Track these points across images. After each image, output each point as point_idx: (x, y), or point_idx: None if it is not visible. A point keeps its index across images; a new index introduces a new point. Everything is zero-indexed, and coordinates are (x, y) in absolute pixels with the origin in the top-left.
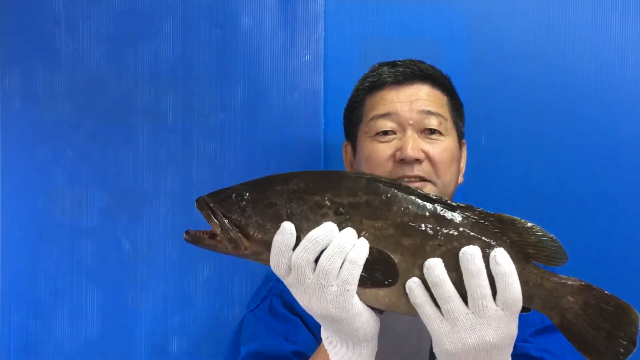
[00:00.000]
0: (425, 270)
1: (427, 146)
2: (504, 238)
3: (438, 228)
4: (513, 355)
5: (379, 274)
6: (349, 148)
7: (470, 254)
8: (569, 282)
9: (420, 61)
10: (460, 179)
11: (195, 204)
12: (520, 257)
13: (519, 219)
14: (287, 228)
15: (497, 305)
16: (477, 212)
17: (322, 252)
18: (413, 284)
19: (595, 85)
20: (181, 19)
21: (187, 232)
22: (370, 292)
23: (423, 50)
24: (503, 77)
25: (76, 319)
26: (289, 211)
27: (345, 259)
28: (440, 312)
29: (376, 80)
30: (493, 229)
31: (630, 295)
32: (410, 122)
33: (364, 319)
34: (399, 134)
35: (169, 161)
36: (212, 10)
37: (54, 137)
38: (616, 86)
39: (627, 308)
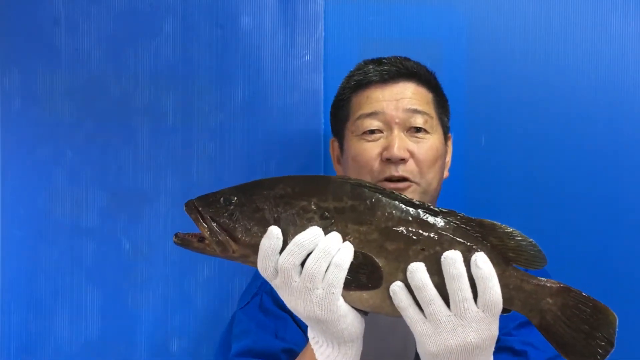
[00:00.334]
0: (408, 274)
1: (412, 145)
2: (484, 242)
3: (421, 232)
4: (497, 349)
5: (363, 277)
6: (336, 144)
7: (452, 258)
8: (548, 285)
9: (405, 58)
10: (446, 174)
11: (185, 208)
12: (501, 260)
13: (499, 224)
14: (274, 232)
15: (478, 308)
16: (459, 217)
17: (308, 255)
18: (397, 287)
19: (595, 85)
20: (181, 19)
21: (176, 235)
22: (355, 294)
23: (423, 50)
24: (503, 77)
25: (76, 319)
26: (275, 215)
27: (330, 262)
28: (423, 314)
29: (362, 79)
30: (474, 234)
31: (630, 295)
32: (397, 120)
33: (349, 320)
34: (385, 133)
35: (169, 161)
36: (212, 10)
37: (54, 137)
38: (616, 86)
39: (604, 310)
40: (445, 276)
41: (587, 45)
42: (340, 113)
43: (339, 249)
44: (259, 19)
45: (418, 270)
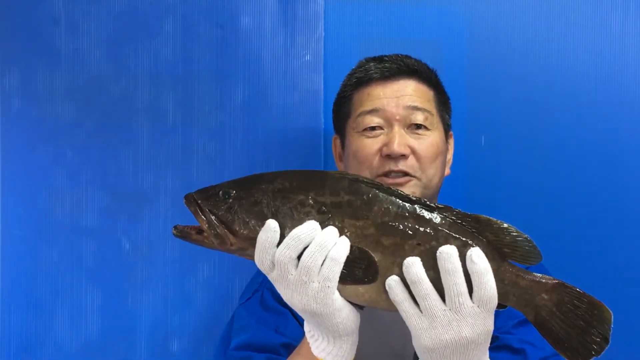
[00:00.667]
0: (404, 268)
1: (413, 141)
2: (480, 238)
3: (417, 228)
4: (496, 347)
5: (359, 271)
6: (338, 142)
7: (447, 253)
8: (543, 280)
9: (406, 56)
10: (447, 171)
11: (184, 200)
12: (496, 256)
13: (495, 219)
14: (271, 225)
15: (473, 302)
16: (455, 212)
17: (304, 249)
18: (392, 282)
19: (595, 85)
20: (181, 19)
21: (175, 227)
22: (350, 288)
23: (423, 50)
24: (503, 77)
25: (76, 319)
26: (273, 209)
27: (326, 256)
28: (419, 308)
29: (363, 76)
30: (470, 229)
31: (631, 294)
32: (397, 117)
33: (344, 314)
34: (386, 129)
35: (169, 161)
36: (212, 10)
37: (54, 137)
38: (616, 86)
39: (599, 306)
40: (440, 271)
41: (587, 45)
42: (342, 110)
43: (335, 243)
44: (259, 19)
45: (414, 265)
